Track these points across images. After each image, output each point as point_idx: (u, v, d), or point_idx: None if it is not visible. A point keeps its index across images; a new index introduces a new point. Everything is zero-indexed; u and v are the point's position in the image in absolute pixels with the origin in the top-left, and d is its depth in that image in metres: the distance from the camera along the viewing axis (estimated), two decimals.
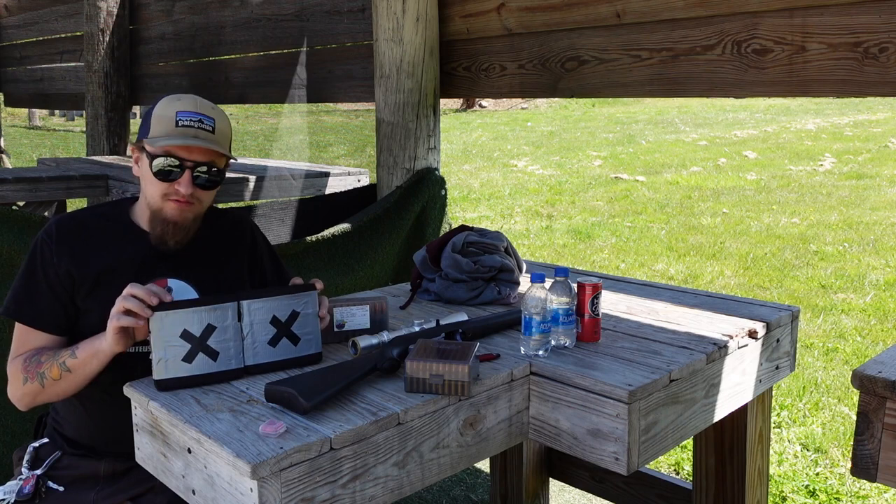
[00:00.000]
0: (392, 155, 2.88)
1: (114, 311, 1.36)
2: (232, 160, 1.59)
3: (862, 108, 16.83)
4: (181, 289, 1.55)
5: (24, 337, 1.51)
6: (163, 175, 1.48)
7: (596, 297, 1.57)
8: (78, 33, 5.42)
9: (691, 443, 2.22)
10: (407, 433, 1.27)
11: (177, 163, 1.48)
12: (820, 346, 4.04)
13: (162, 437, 1.31)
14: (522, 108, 20.59)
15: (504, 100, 20.39)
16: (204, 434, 1.18)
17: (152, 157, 1.48)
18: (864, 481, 2.50)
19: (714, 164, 10.46)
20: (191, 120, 1.48)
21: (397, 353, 1.41)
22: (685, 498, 2.15)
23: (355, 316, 1.62)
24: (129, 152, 1.79)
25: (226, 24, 4.15)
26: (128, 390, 1.38)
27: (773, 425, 2.96)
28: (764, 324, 1.70)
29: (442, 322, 1.58)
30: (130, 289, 1.35)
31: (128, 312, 1.34)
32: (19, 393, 1.49)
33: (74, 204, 4.94)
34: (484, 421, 1.40)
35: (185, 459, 1.25)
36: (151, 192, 1.51)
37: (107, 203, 1.68)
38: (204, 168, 1.50)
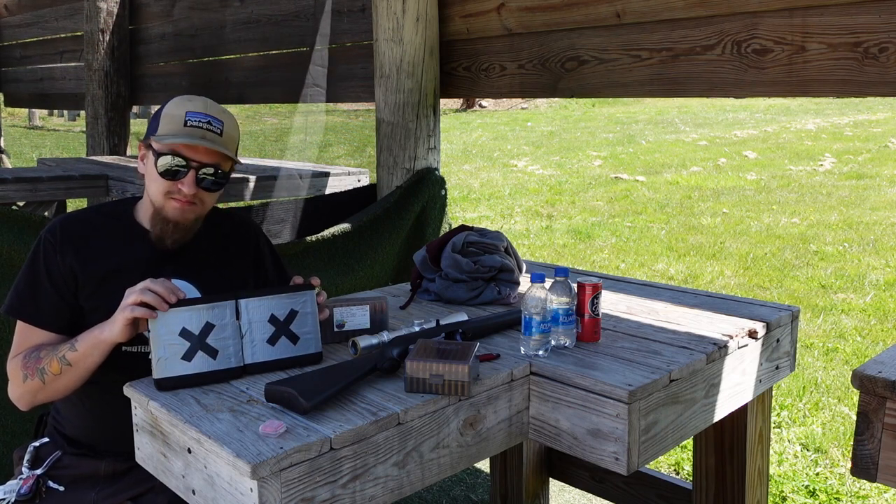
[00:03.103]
0: (392, 155, 2.88)
1: (127, 301, 1.36)
2: (238, 164, 1.59)
3: (862, 108, 16.82)
4: (186, 289, 1.55)
5: (25, 335, 1.51)
6: (168, 174, 1.49)
7: (596, 297, 1.57)
8: (78, 33, 5.42)
9: (691, 443, 2.22)
10: (407, 433, 1.27)
11: (182, 162, 1.49)
12: (820, 346, 4.04)
13: (162, 437, 1.31)
14: (522, 108, 20.58)
15: (504, 100, 20.38)
16: (204, 434, 1.18)
17: (158, 154, 1.49)
18: (864, 481, 2.50)
19: (714, 164, 10.46)
20: (199, 121, 1.49)
21: (397, 353, 1.41)
22: (685, 498, 2.15)
23: (355, 316, 1.62)
24: (136, 150, 1.80)
25: (226, 24, 4.15)
26: (128, 390, 1.38)
27: (773, 425, 2.96)
28: (764, 324, 1.70)
29: (442, 322, 1.58)
30: (149, 283, 1.36)
31: (143, 305, 1.35)
32: (19, 391, 1.49)
33: (74, 204, 4.94)
34: (484, 421, 1.40)
35: (185, 459, 1.25)
36: (154, 189, 1.51)
37: (110, 202, 1.68)
38: (209, 170, 1.51)
